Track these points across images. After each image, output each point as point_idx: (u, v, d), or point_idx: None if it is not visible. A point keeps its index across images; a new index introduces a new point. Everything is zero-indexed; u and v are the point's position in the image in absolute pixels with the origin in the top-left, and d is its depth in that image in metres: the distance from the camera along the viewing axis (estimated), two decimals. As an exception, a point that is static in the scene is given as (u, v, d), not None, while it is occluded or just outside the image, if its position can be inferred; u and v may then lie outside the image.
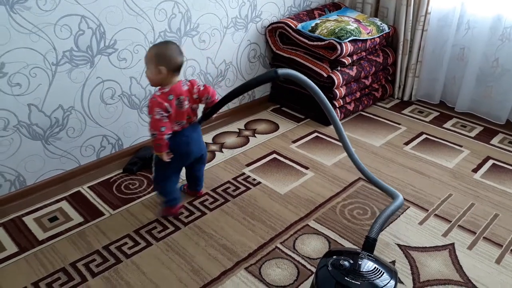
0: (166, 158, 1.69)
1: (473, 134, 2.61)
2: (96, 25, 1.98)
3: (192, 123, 1.77)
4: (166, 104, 1.62)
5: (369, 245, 1.49)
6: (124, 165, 2.24)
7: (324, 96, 1.84)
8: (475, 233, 1.82)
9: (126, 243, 1.76)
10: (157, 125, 1.62)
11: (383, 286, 1.33)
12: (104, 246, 1.74)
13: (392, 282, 1.35)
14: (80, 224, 1.86)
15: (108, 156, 2.27)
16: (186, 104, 1.69)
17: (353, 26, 2.60)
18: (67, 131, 2.06)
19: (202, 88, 1.74)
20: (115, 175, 2.19)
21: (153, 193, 2.04)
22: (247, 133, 2.59)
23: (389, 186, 1.94)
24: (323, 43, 2.53)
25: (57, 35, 1.88)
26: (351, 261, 1.38)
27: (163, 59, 1.62)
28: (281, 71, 1.65)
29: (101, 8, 1.97)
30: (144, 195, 2.04)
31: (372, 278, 1.34)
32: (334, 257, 1.41)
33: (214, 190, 2.07)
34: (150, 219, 1.88)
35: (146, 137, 2.40)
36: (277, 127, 2.67)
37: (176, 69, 1.66)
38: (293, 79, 1.73)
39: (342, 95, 2.63)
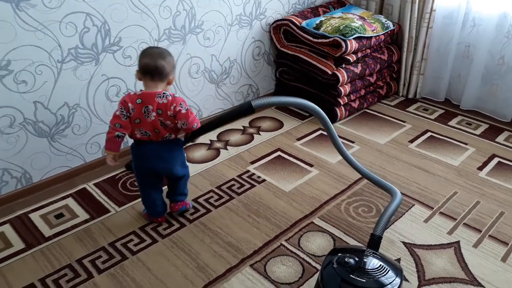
0: (109, 159, 1.68)
1: (478, 132, 2.60)
2: (101, 22, 1.99)
3: (164, 138, 1.66)
4: (130, 104, 1.58)
5: (374, 242, 1.49)
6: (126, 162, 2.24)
7: (311, 103, 1.78)
8: (481, 231, 1.81)
9: (131, 240, 1.76)
10: (112, 119, 1.61)
11: (389, 284, 1.33)
12: (110, 243, 1.75)
13: (398, 280, 1.35)
14: (86, 221, 1.87)
15: (113, 153, 2.28)
16: (153, 116, 1.59)
17: (357, 23, 2.59)
18: (72, 128, 2.07)
19: (183, 111, 1.59)
20: (120, 172, 2.19)
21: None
22: (251, 130, 2.59)
23: (386, 183, 1.91)
24: (327, 40, 2.53)
25: (63, 32, 1.89)
26: (356, 259, 1.38)
27: (138, 64, 1.61)
28: (255, 102, 1.60)
29: (106, 6, 1.98)
30: (149, 192, 2.04)
31: (378, 275, 1.35)
32: (339, 254, 1.41)
33: (219, 187, 2.08)
34: (155, 216, 1.89)
35: (151, 134, 2.41)
36: (281, 125, 2.67)
37: (145, 72, 1.59)
38: (269, 105, 1.68)
39: (347, 93, 2.62)
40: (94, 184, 2.10)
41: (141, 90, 1.62)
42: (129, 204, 1.97)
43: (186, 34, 2.33)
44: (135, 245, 1.74)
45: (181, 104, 1.59)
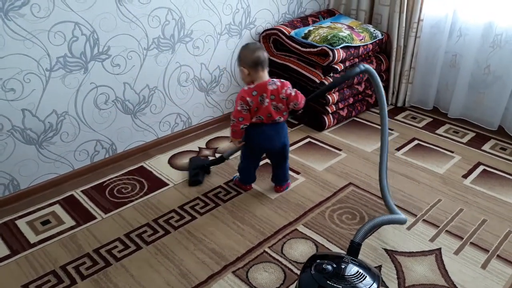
0: (236, 144, 1.96)
1: (465, 140, 2.63)
2: (89, 31, 2.02)
3: (273, 121, 1.88)
4: (248, 98, 1.82)
5: (354, 249, 1.51)
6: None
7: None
8: (462, 238, 1.83)
9: (116, 247, 1.78)
10: (236, 115, 1.85)
11: (366, 290, 1.34)
12: (95, 249, 1.76)
13: (375, 286, 1.37)
14: (72, 228, 1.88)
15: (101, 160, 2.30)
16: (267, 102, 1.83)
17: (345, 33, 2.63)
18: (61, 135, 2.09)
19: (293, 94, 1.86)
20: (108, 179, 2.21)
21: (145, 198, 2.07)
22: (240, 138, 2.62)
23: (396, 209, 1.86)
24: (315, 49, 2.56)
25: (51, 41, 1.92)
26: (334, 265, 1.40)
27: (242, 60, 1.85)
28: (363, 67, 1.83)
29: (95, 15, 2.01)
30: (136, 199, 2.06)
31: (355, 282, 1.36)
32: (318, 261, 1.43)
33: (205, 194, 2.09)
34: (141, 223, 1.91)
35: (140, 141, 2.43)
36: (270, 133, 2.69)
37: (255, 64, 1.82)
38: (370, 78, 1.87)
39: (335, 101, 2.65)
40: (82, 191, 2.12)
41: (252, 84, 1.84)
42: (116, 211, 1.99)
43: (175, 43, 2.37)
44: (120, 251, 1.75)
45: (289, 87, 1.87)
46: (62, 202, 2.05)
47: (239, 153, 2.14)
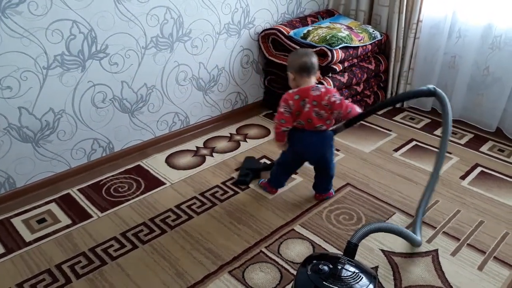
0: (280, 147, 1.95)
1: (463, 141, 2.62)
2: (87, 30, 2.01)
3: (315, 127, 1.86)
4: (290, 101, 1.82)
5: (350, 250, 1.50)
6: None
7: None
8: (459, 239, 1.83)
9: (112, 246, 1.77)
10: (278, 117, 1.86)
11: (362, 291, 1.34)
12: (90, 248, 1.75)
13: (371, 287, 1.36)
14: (67, 226, 1.87)
15: (98, 159, 2.29)
16: (308, 107, 1.81)
17: (344, 33, 2.63)
18: (57, 134, 2.09)
19: (337, 102, 1.80)
20: (105, 178, 2.21)
21: (141, 197, 2.07)
22: (238, 137, 2.61)
23: (418, 228, 1.79)
24: (314, 49, 2.55)
25: (49, 39, 1.91)
26: (331, 266, 1.39)
27: (290, 65, 1.87)
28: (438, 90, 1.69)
29: (93, 13, 2.00)
30: (133, 198, 2.06)
31: (351, 282, 1.35)
32: (314, 261, 1.42)
33: (202, 194, 2.09)
34: (137, 222, 1.90)
35: (137, 140, 2.43)
36: (268, 132, 2.69)
37: (300, 70, 1.83)
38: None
39: (333, 101, 2.64)
40: (78, 190, 2.12)
41: (297, 88, 1.84)
42: (112, 210, 1.98)
43: (173, 42, 2.36)
44: (115, 250, 1.75)
45: (334, 95, 1.82)
46: (58, 200, 2.04)
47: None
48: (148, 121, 2.43)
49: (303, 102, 1.81)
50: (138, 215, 1.95)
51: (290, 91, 1.85)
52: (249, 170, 2.23)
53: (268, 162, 2.35)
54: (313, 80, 1.86)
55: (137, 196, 2.07)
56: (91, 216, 1.94)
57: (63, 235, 1.82)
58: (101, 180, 2.19)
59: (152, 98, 2.39)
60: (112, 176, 2.23)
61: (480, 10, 2.57)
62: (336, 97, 1.81)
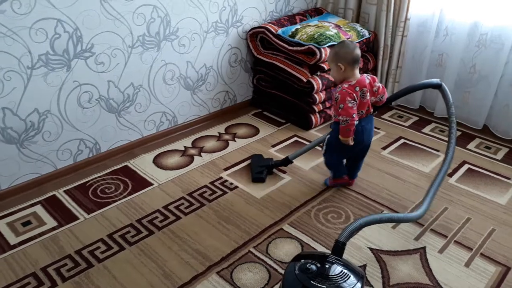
0: (351, 142, 1.89)
1: (450, 139, 2.63)
2: (72, 29, 1.98)
3: (368, 114, 1.93)
4: (354, 94, 1.82)
5: (338, 249, 1.50)
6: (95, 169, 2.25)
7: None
8: (447, 236, 1.84)
9: (98, 248, 1.75)
10: (349, 112, 1.82)
11: (349, 290, 1.34)
12: (77, 251, 1.73)
13: (359, 285, 1.36)
14: (53, 229, 1.85)
15: (85, 160, 2.27)
16: (368, 96, 1.87)
17: (332, 31, 2.63)
18: (43, 134, 2.06)
19: (381, 87, 1.93)
20: (92, 179, 2.18)
21: (129, 198, 2.04)
22: (227, 137, 2.60)
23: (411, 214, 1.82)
24: (302, 48, 2.55)
25: (33, 38, 1.88)
26: (319, 265, 1.39)
27: (342, 57, 1.83)
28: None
29: (78, 12, 1.97)
30: (120, 199, 2.04)
31: (339, 281, 1.35)
32: (302, 260, 1.42)
33: (190, 194, 2.07)
34: (124, 224, 1.88)
35: (124, 140, 2.40)
36: (257, 131, 2.68)
37: (353, 62, 1.84)
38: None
39: (322, 100, 2.64)
40: (65, 191, 2.09)
41: (346, 81, 1.85)
42: (99, 211, 1.96)
43: (160, 41, 2.34)
44: (102, 252, 1.73)
45: (377, 81, 1.93)
46: (44, 202, 2.01)
47: (321, 156, 2.15)
48: (135, 121, 2.41)
49: (362, 92, 1.85)
50: (125, 216, 1.93)
51: (346, 84, 1.84)
52: (263, 167, 2.23)
53: (274, 159, 2.33)
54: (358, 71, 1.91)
55: (124, 197, 2.05)
56: (77, 218, 1.91)
57: (49, 238, 1.80)
58: (88, 181, 2.17)
59: (139, 98, 2.37)
60: (99, 177, 2.20)
61: (467, 8, 2.58)
62: (379, 83, 1.93)
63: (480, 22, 2.55)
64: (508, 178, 2.26)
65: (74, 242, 1.78)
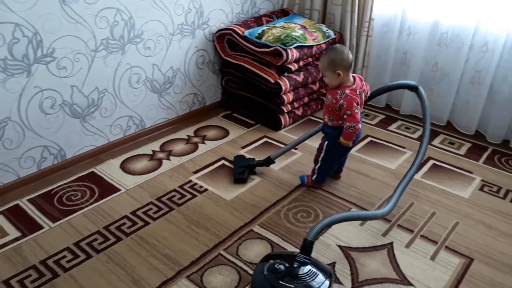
0: (351, 144, 1.94)
1: (416, 135, 2.70)
2: (32, 33, 1.93)
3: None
4: (357, 98, 1.83)
5: (306, 247, 1.51)
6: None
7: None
8: (413, 231, 1.88)
9: (64, 257, 1.71)
10: (356, 118, 1.84)
11: (318, 287, 1.35)
12: (41, 261, 1.68)
13: (327, 283, 1.38)
14: (16, 239, 1.79)
15: (49, 167, 2.21)
16: (363, 96, 1.92)
17: (298, 32, 2.65)
18: (3, 142, 1.99)
19: (366, 85, 1.98)
20: (57, 187, 2.13)
21: (96, 204, 2.00)
22: (196, 139, 2.59)
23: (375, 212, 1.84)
24: (269, 49, 2.56)
25: (-11, 43, 1.82)
26: (287, 265, 1.40)
27: (339, 64, 1.82)
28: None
29: (37, 16, 1.92)
30: (86, 206, 1.99)
31: (307, 280, 1.37)
32: (271, 261, 1.42)
33: (158, 199, 2.05)
34: (91, 231, 1.84)
35: (90, 146, 2.35)
36: (227, 133, 2.67)
37: (350, 67, 1.85)
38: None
39: (290, 101, 2.66)
40: (28, 200, 2.03)
41: (345, 86, 1.85)
42: (65, 219, 1.91)
43: (125, 44, 2.30)
44: (68, 261, 1.68)
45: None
46: (6, 212, 1.94)
47: (290, 156, 2.24)
48: (101, 126, 2.36)
49: (359, 93, 1.88)
50: (92, 223, 1.89)
51: (347, 90, 1.84)
52: (245, 168, 2.23)
53: (257, 159, 2.34)
54: None
55: (91, 204, 2.01)
56: (42, 227, 1.86)
57: (12, 249, 1.74)
58: (53, 189, 2.11)
59: (104, 102, 2.32)
60: (65, 184, 2.15)
61: (428, 8, 2.65)
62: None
63: (441, 21, 2.63)
64: (471, 172, 2.33)
65: (39, 252, 1.73)
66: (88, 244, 1.77)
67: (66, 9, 2.01)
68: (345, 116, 1.84)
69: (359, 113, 1.85)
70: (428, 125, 2.06)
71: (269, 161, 2.25)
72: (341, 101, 1.83)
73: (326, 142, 2.01)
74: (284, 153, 2.28)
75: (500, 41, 2.42)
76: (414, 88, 2.06)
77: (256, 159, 2.32)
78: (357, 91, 1.86)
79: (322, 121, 2.83)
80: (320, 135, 2.10)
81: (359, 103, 1.86)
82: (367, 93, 2.00)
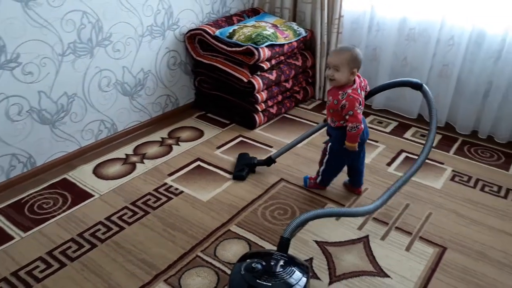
0: (357, 148, 1.88)
1: (388, 129, 2.75)
2: (-6, 38, 1.87)
3: None
4: (359, 98, 1.81)
5: (283, 245, 1.51)
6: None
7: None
8: (388, 223, 1.91)
9: (37, 267, 1.66)
10: (359, 118, 1.81)
11: (296, 283, 1.36)
12: (13, 273, 1.63)
13: (304, 279, 1.39)
14: (-15, 252, 1.74)
15: (19, 175, 2.15)
16: (363, 93, 1.89)
17: (269, 31, 2.65)
18: (-32, 152, 1.93)
19: (364, 80, 1.97)
20: (28, 195, 2.07)
21: (68, 211, 1.96)
22: (170, 141, 2.56)
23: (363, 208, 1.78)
24: (241, 48, 2.56)
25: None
26: (264, 263, 1.40)
27: (357, 62, 1.81)
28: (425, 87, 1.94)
29: (-1, 20, 1.87)
30: (59, 214, 1.95)
31: (285, 277, 1.37)
32: (248, 260, 1.42)
33: (133, 203, 2.02)
34: (65, 239, 1.80)
35: (61, 152, 2.30)
36: (201, 134, 2.66)
37: (360, 66, 1.84)
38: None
39: (264, 99, 2.67)
40: (-3, 210, 1.97)
41: (348, 86, 1.82)
42: (36, 228, 1.86)
43: (93, 47, 2.26)
44: (41, 271, 1.64)
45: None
46: (-26, 224, 1.89)
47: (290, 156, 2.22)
48: (71, 132, 2.31)
49: (360, 92, 1.86)
50: (66, 231, 1.85)
51: (349, 90, 1.80)
52: (245, 166, 2.23)
53: (258, 158, 2.33)
54: None
55: (64, 211, 1.96)
56: (12, 238, 1.81)
57: (-19, 262, 1.69)
58: (23, 198, 2.05)
59: (74, 107, 2.27)
60: (35, 192, 2.10)
61: (395, 4, 2.70)
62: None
63: (408, 17, 2.68)
64: (442, 163, 2.39)
65: (10, 263, 1.68)
66: (62, 253, 1.73)
67: (29, 13, 1.95)
68: (347, 117, 1.81)
69: (361, 113, 1.83)
70: (434, 125, 1.92)
71: (270, 161, 2.24)
72: (343, 101, 1.79)
73: (330, 144, 1.98)
74: (285, 152, 2.25)
75: (465, 34, 2.48)
76: (418, 86, 1.93)
77: (231, 158, 2.32)
78: (358, 90, 1.84)
79: (297, 119, 2.85)
80: (321, 135, 2.08)
81: (361, 103, 1.83)
82: (366, 88, 1.97)
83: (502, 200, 2.09)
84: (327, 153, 2.00)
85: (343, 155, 1.96)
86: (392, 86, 2.05)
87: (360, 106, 1.82)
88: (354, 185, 2.12)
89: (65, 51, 2.14)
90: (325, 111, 2.94)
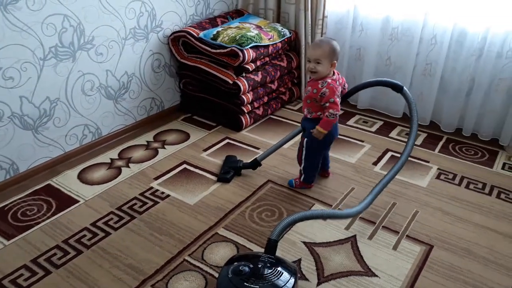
0: (323, 137, 1.93)
1: (373, 129, 2.77)
2: (-28, 43, 1.83)
3: None
4: (337, 88, 1.87)
5: (271, 247, 1.51)
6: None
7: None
8: (375, 223, 1.92)
9: (21, 275, 1.63)
10: (337, 106, 1.87)
11: (283, 285, 1.36)
12: (-4, 282, 1.61)
13: (292, 280, 1.38)
14: (-33, 261, 1.70)
15: (2, 182, 2.11)
16: (340, 89, 1.95)
17: (253, 32, 2.65)
18: None
19: (342, 78, 2.01)
20: (11, 202, 2.03)
21: (53, 218, 1.93)
22: (156, 145, 2.54)
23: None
24: (225, 50, 2.55)
25: None
26: (251, 266, 1.39)
27: (337, 54, 1.88)
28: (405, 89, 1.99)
29: (-23, 25, 1.83)
30: (43, 220, 1.91)
31: (273, 279, 1.37)
32: (235, 263, 1.41)
33: (119, 208, 2.00)
34: (50, 246, 1.77)
35: (45, 158, 2.26)
36: (188, 137, 2.64)
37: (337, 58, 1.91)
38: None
39: (250, 101, 2.66)
40: (-21, 219, 1.93)
41: (328, 77, 1.88)
42: (20, 236, 1.83)
43: (75, 51, 2.23)
44: (25, 280, 1.61)
45: None
46: (-45, 233, 1.84)
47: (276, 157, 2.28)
48: (55, 137, 2.28)
49: (338, 84, 1.91)
50: (50, 238, 1.82)
51: (329, 79, 1.87)
52: (231, 169, 2.22)
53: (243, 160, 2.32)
54: None
55: (48, 217, 1.93)
56: (-5, 246, 1.77)
57: (-37, 272, 1.65)
58: (6, 205, 2.02)
59: (57, 112, 2.24)
60: (19, 199, 2.06)
61: (378, 4, 2.72)
62: None
63: (391, 16, 2.70)
64: (428, 162, 2.41)
65: (-7, 273, 1.65)
66: (47, 260, 1.70)
67: (8, 17, 1.92)
68: (327, 104, 1.86)
69: (339, 101, 1.89)
70: (415, 126, 1.97)
71: (256, 164, 2.24)
72: (324, 89, 1.85)
73: (306, 139, 2.01)
74: (270, 154, 2.25)
75: (448, 33, 2.51)
76: (398, 88, 1.98)
77: (217, 161, 2.31)
78: (337, 81, 1.91)
79: (284, 120, 2.85)
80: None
81: (338, 95, 1.90)
82: (344, 86, 2.03)
83: (487, 197, 2.12)
84: (303, 148, 2.03)
85: (320, 147, 2.04)
86: (374, 85, 2.11)
87: (338, 95, 1.89)
88: (325, 169, 2.23)
89: (47, 55, 2.11)
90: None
